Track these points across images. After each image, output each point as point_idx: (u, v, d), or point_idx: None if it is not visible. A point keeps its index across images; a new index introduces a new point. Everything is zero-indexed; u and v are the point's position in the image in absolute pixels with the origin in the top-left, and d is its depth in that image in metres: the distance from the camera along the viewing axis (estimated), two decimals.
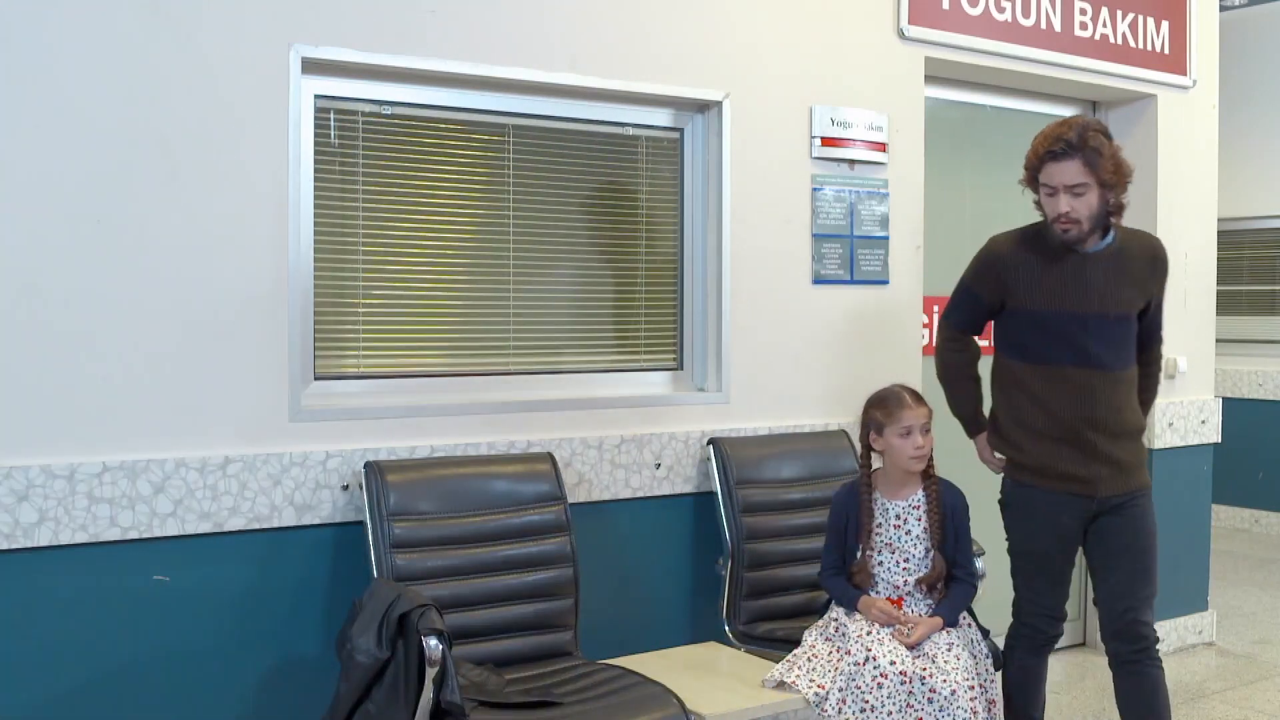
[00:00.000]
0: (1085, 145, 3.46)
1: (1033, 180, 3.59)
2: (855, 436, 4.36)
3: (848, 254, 4.51)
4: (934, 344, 3.95)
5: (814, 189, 4.42)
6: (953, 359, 3.86)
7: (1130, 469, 3.68)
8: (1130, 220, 5.56)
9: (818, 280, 4.44)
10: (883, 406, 3.63)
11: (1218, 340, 5.93)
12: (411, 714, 3.00)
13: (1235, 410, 7.22)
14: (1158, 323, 3.81)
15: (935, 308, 5.13)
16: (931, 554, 3.61)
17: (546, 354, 3.99)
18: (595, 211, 4.11)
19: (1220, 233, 5.93)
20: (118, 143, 3.18)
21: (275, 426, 3.41)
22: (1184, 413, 5.63)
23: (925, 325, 4.99)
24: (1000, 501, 3.83)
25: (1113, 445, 3.62)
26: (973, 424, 3.88)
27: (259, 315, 3.38)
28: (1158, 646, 3.69)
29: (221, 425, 3.34)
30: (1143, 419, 3.77)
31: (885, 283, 4.63)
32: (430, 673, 2.97)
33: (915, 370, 4.67)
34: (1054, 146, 3.48)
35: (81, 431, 3.15)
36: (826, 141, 4.43)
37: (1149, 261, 3.69)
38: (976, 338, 3.92)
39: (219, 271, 3.32)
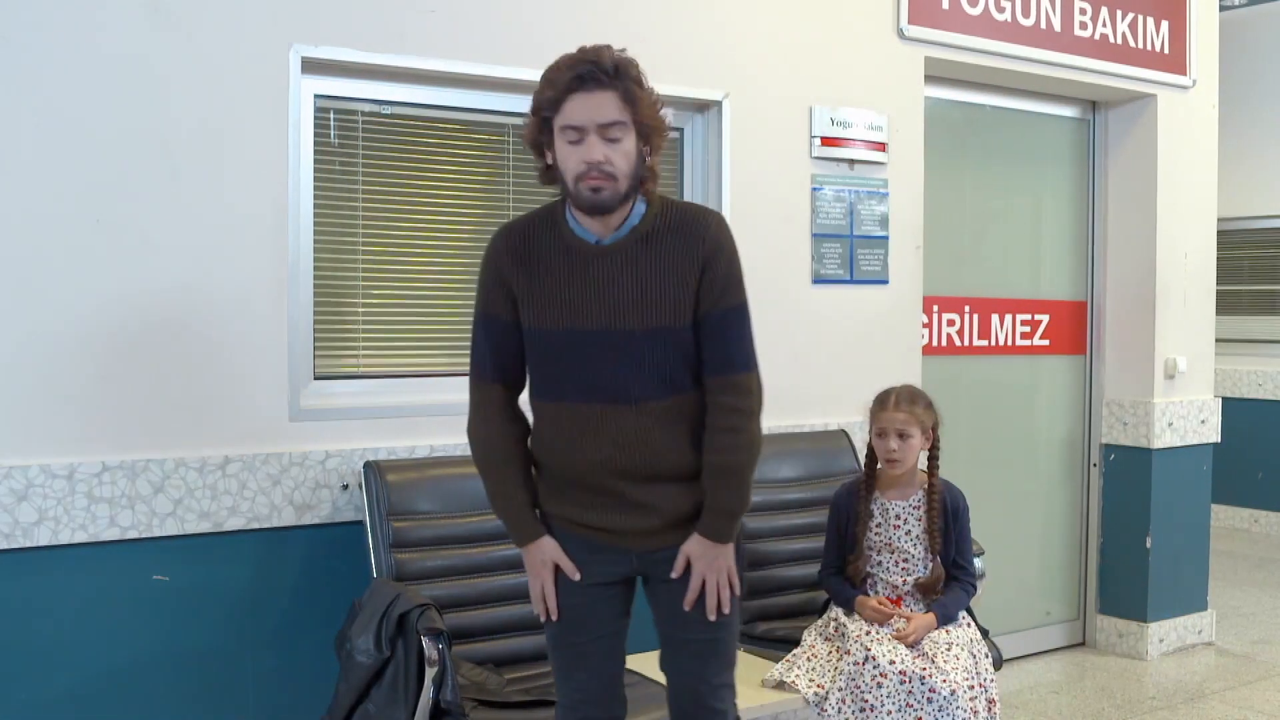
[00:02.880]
0: (623, 75, 2.59)
1: (542, 129, 2.63)
2: (855, 436, 4.37)
3: (847, 254, 4.51)
4: (468, 424, 2.81)
5: (814, 189, 4.42)
6: (488, 431, 2.77)
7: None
8: (1129, 222, 5.64)
9: (817, 280, 4.44)
10: (874, 404, 3.63)
11: (1217, 340, 5.93)
12: (411, 714, 3.00)
13: (1235, 410, 7.22)
14: (729, 337, 2.71)
15: (935, 307, 5.14)
16: (931, 557, 3.61)
17: None
18: None
19: (1220, 233, 5.93)
20: (117, 143, 3.18)
21: (275, 426, 3.41)
22: (1183, 412, 5.63)
23: (925, 325, 5.00)
24: None
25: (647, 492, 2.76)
26: (529, 526, 2.80)
27: (259, 315, 3.38)
28: None
29: (221, 425, 3.34)
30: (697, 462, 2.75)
31: (885, 282, 4.63)
32: (430, 673, 2.98)
33: (915, 370, 4.67)
34: (581, 69, 2.56)
35: (81, 431, 3.15)
36: (826, 141, 4.43)
37: (693, 247, 2.68)
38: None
39: (219, 271, 3.32)
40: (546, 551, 2.78)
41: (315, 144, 3.55)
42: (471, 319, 2.77)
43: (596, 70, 2.56)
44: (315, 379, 3.56)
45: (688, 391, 2.73)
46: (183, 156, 3.26)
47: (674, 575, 2.77)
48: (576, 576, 2.77)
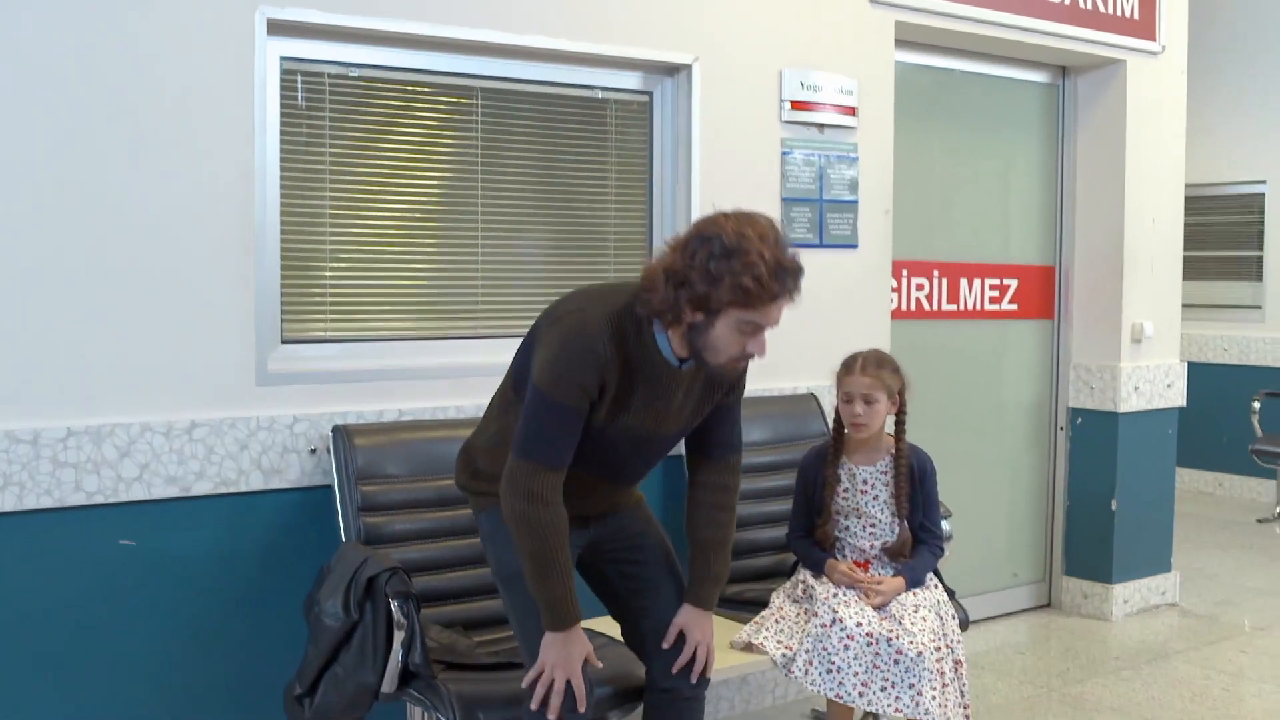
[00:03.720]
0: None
1: (710, 299, 2.67)
2: (824, 400, 4.39)
3: (817, 218, 4.51)
4: (514, 505, 2.79)
5: (783, 152, 4.42)
6: (550, 515, 2.79)
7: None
8: (1097, 187, 5.66)
9: None
10: (840, 369, 3.63)
11: (1184, 305, 5.97)
12: (379, 677, 3.01)
13: (1201, 375, 7.28)
14: (734, 418, 3.11)
15: (904, 272, 5.15)
16: (898, 521, 3.62)
17: (515, 317, 3.98)
18: (564, 174, 4.09)
19: (1188, 199, 5.96)
20: (81, 107, 3.14)
21: (242, 390, 3.39)
22: (1150, 377, 5.68)
23: (894, 289, 5.01)
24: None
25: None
26: (575, 609, 2.85)
27: (225, 279, 3.36)
28: None
29: (188, 389, 3.32)
30: None
31: (854, 247, 4.64)
32: (398, 636, 2.98)
33: (884, 334, 4.68)
34: (793, 282, 2.71)
35: (46, 396, 3.13)
36: (796, 105, 4.43)
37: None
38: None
39: (184, 235, 3.29)
40: (584, 641, 2.85)
41: (282, 107, 3.51)
42: (540, 394, 2.74)
43: (799, 282, 2.72)
44: (283, 343, 3.54)
45: None
46: (147, 119, 3.22)
47: (666, 646, 3.01)
48: (599, 665, 2.89)
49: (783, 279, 2.66)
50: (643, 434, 2.89)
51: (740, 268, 2.61)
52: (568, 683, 2.79)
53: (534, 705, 2.79)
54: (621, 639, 3.20)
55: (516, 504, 2.76)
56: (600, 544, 3.09)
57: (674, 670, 3.02)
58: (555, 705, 2.77)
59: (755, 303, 2.65)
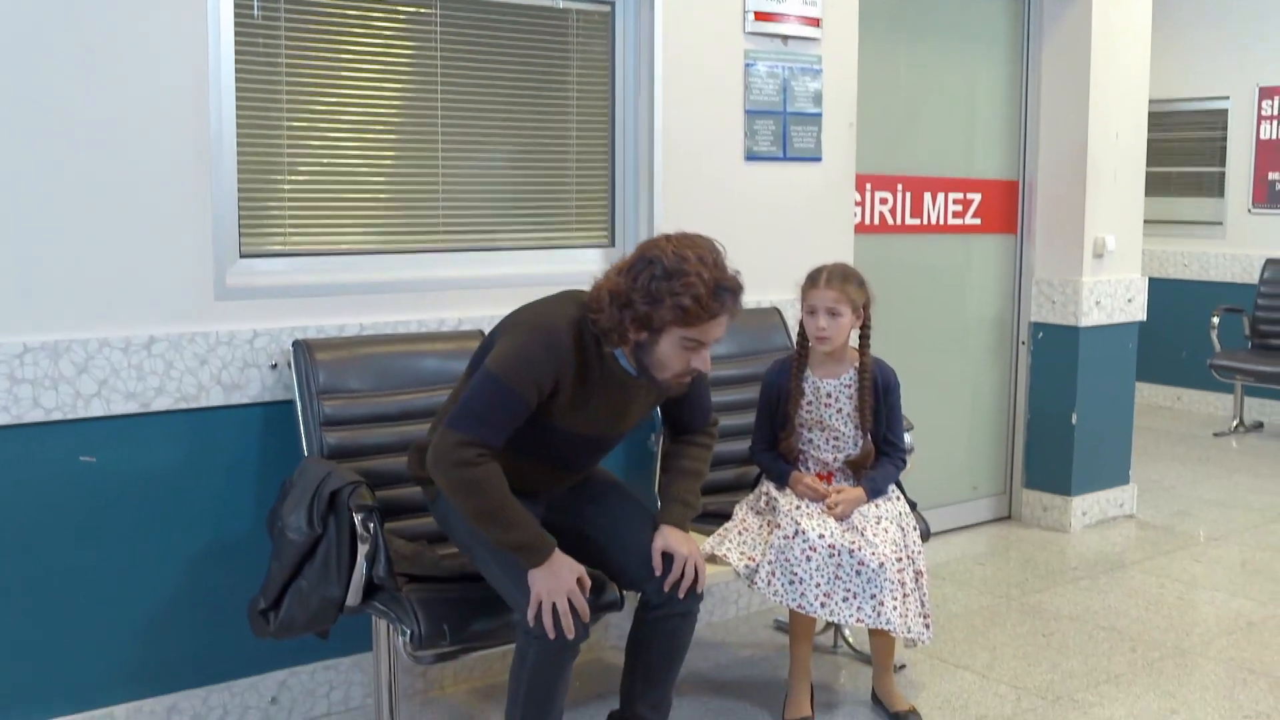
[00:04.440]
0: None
1: (650, 319, 2.87)
2: (787, 314, 4.39)
3: (780, 131, 4.48)
4: (447, 475, 2.90)
5: (747, 64, 4.37)
6: (487, 470, 2.88)
7: None
8: (1061, 101, 5.63)
9: (750, 157, 4.41)
10: (805, 282, 3.62)
11: (1146, 221, 5.99)
12: (344, 589, 3.02)
13: (1161, 290, 7.34)
14: (704, 393, 3.40)
15: (868, 185, 5.14)
16: (861, 435, 3.64)
17: (477, 231, 3.95)
18: (525, 87, 4.03)
19: (1151, 114, 5.95)
20: (27, 15, 3.05)
21: (200, 305, 3.36)
22: (1111, 291, 5.71)
23: (858, 203, 5.00)
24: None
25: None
26: (548, 537, 2.94)
27: (181, 192, 3.30)
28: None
29: (145, 305, 3.28)
30: None
31: (818, 160, 4.61)
32: (362, 549, 2.98)
33: (847, 248, 4.68)
34: (731, 299, 2.93)
35: (0, 312, 3.08)
36: (760, 16, 4.37)
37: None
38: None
39: (137, 147, 3.23)
40: (569, 561, 2.90)
41: (236, 17, 3.42)
42: (494, 377, 2.86)
43: (739, 301, 2.92)
44: (241, 257, 3.50)
45: None
46: (97, 28, 3.15)
47: (657, 574, 3.08)
48: (589, 582, 2.94)
49: (722, 298, 2.86)
50: (598, 433, 3.10)
51: (680, 288, 2.81)
52: (570, 603, 2.86)
53: (550, 635, 2.83)
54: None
55: (449, 473, 2.86)
56: (555, 506, 3.20)
57: (666, 589, 3.09)
58: (568, 625, 2.84)
59: (695, 321, 2.84)
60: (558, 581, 2.85)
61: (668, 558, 3.11)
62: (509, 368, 2.86)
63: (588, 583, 2.93)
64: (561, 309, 2.97)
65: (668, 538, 3.12)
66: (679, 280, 2.82)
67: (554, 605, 2.83)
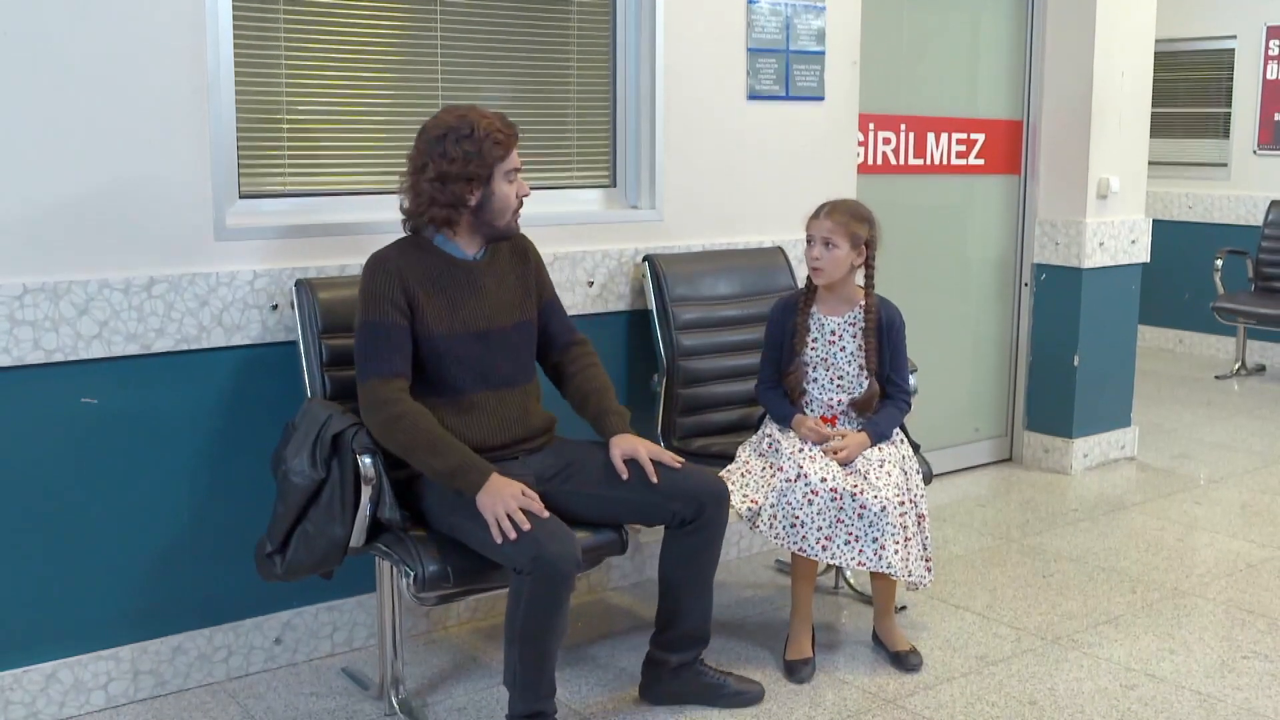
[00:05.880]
0: None
1: (474, 174, 3.12)
2: (791, 254, 4.37)
3: (783, 69, 4.43)
4: (374, 420, 3.04)
5: (749, 2, 4.32)
6: (403, 408, 3.05)
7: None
8: (1067, 41, 5.57)
9: (753, 96, 4.37)
10: (811, 214, 3.60)
11: (1150, 162, 5.94)
12: (349, 531, 3.02)
13: (1165, 232, 7.30)
14: (563, 312, 3.51)
15: (871, 125, 5.09)
16: (866, 375, 3.63)
17: None
18: (526, 23, 3.98)
19: (1157, 54, 5.89)
20: None
21: (201, 246, 3.34)
22: (1114, 232, 5.68)
23: (861, 143, 4.96)
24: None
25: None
26: (483, 461, 3.04)
27: (179, 133, 3.27)
28: None
29: (145, 246, 3.26)
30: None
31: (821, 99, 4.57)
32: (366, 491, 2.98)
33: (850, 188, 4.65)
34: (511, 129, 3.19)
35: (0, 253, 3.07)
36: None
37: (523, 254, 3.40)
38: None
39: (134, 88, 3.19)
40: (507, 480, 2.98)
41: None
42: (359, 323, 3.09)
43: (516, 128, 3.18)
44: (241, 197, 3.47)
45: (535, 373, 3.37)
46: None
47: (624, 478, 3.18)
48: (533, 494, 3.00)
49: (510, 125, 3.15)
50: (479, 330, 3.18)
51: (483, 133, 3.09)
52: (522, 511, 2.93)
53: (512, 536, 2.88)
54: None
55: (375, 417, 3.02)
56: (547, 479, 3.20)
57: (654, 480, 3.15)
58: (522, 519, 2.90)
59: (510, 144, 3.14)
60: (500, 496, 2.92)
61: (631, 464, 3.19)
62: (362, 308, 3.09)
63: (532, 493, 2.98)
64: (379, 250, 3.19)
65: (622, 446, 3.22)
66: (477, 128, 3.09)
67: (509, 517, 2.88)
